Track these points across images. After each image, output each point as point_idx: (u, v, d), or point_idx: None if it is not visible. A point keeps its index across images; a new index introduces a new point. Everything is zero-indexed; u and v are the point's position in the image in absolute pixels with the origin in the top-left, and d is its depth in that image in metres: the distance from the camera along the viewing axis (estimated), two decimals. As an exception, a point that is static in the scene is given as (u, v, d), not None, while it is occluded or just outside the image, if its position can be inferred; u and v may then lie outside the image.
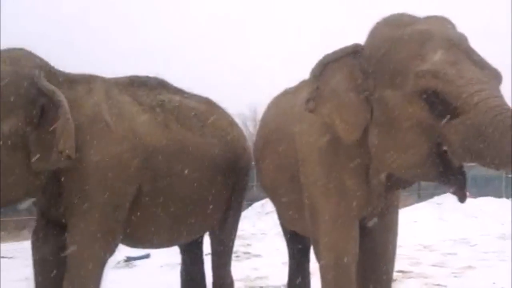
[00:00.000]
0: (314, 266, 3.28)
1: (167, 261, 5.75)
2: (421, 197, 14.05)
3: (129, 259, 6.09)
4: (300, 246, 3.78)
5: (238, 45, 47.88)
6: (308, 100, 2.63)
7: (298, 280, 3.78)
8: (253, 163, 4.00)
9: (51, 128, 2.71)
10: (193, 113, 3.54)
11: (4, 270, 6.00)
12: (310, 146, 2.89)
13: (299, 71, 3.22)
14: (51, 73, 2.94)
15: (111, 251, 3.06)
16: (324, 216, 2.81)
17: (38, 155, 2.72)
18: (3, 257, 6.94)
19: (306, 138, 2.93)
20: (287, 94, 3.53)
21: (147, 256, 6.25)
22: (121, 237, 3.11)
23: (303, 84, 3.20)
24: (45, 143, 2.71)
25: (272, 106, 3.67)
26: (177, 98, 3.55)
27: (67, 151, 2.70)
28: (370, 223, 2.96)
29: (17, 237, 8.70)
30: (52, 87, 2.77)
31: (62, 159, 2.71)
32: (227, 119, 3.89)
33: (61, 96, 2.75)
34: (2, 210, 9.26)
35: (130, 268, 5.94)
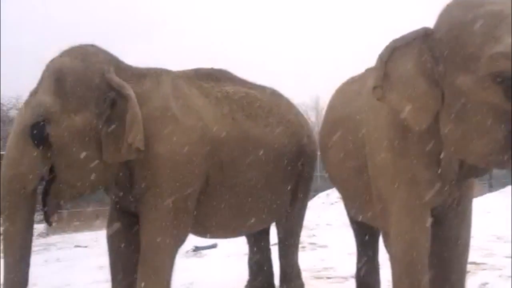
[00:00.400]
0: (383, 257, 3.23)
1: (234, 250, 5.83)
2: (492, 187, 13.51)
3: (197, 249, 6.22)
4: (368, 237, 3.72)
5: (300, 35, 47.60)
6: (375, 87, 2.56)
7: (367, 272, 3.73)
8: (318, 152, 3.98)
9: (121, 122, 2.81)
10: (258, 104, 3.56)
11: (79, 259, 6.30)
12: (378, 134, 2.82)
13: (362, 60, 3.16)
14: (120, 68, 3.04)
15: (181, 240, 3.14)
16: (394, 206, 2.74)
17: (109, 148, 2.83)
18: (78, 246, 7.28)
19: (373, 126, 2.87)
20: (353, 81, 3.48)
21: (214, 245, 6.37)
22: (191, 226, 3.18)
23: (369, 71, 3.14)
24: (115, 136, 2.82)
25: (338, 94, 3.63)
26: (242, 89, 3.58)
27: (136, 143, 2.79)
28: (443, 214, 2.88)
29: (91, 227, 9.07)
30: (121, 82, 2.87)
31: (132, 151, 2.80)
32: (291, 109, 3.89)
33: (129, 90, 2.84)
34: (75, 201, 9.74)
35: (199, 257, 6.06)
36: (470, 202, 2.99)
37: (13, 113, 15.64)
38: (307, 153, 3.81)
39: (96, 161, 2.84)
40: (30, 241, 2.87)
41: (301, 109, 4.41)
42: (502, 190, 11.54)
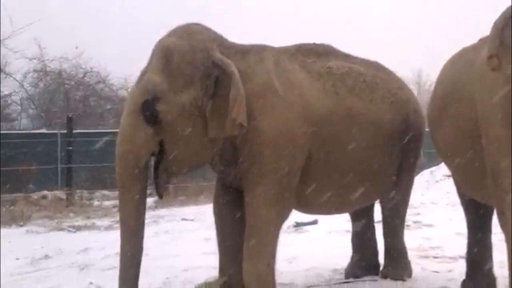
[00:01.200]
0: (496, 237, 3.07)
1: (335, 227, 5.81)
2: None
3: (298, 225, 6.26)
4: (480, 215, 3.52)
5: (400, 8, 45.68)
6: (490, 56, 2.40)
7: (478, 252, 3.54)
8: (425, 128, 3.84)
9: (225, 98, 2.88)
10: (361, 79, 3.49)
11: (186, 231, 6.60)
12: (492, 107, 2.65)
13: (464, 34, 2.96)
14: (224, 46, 3.10)
15: (285, 215, 3.18)
16: (509, 183, 2.57)
17: (213, 124, 2.91)
18: (184, 219, 7.62)
19: (488, 99, 2.69)
20: (465, 52, 3.27)
21: (315, 222, 6.38)
22: (294, 202, 3.20)
23: (483, 40, 2.94)
24: (219, 112, 2.89)
25: (448, 66, 3.44)
26: (345, 64, 3.52)
27: (239, 119, 2.84)
28: None
29: (195, 202, 9.45)
30: (224, 59, 2.93)
31: (235, 127, 2.86)
32: (396, 83, 3.77)
33: (233, 67, 2.89)
34: (181, 177, 10.17)
35: (300, 233, 6.11)
36: None
37: (121, 93, 16.57)
38: (413, 128, 3.68)
39: (202, 137, 2.95)
40: (144, 212, 3.05)
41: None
42: None
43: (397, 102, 3.60)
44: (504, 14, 2.39)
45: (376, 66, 3.74)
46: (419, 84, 24.49)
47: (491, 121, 2.66)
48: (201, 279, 3.33)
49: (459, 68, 3.19)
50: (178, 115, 2.90)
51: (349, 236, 4.23)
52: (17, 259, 5.26)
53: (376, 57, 3.88)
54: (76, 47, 16.16)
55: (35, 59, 16.11)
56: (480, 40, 3.06)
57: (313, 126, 3.14)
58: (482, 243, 3.54)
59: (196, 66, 2.93)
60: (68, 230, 7.06)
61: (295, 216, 4.14)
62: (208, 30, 3.12)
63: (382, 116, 3.45)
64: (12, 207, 8.48)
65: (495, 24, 2.40)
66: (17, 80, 16.62)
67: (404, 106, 3.65)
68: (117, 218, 5.37)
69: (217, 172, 3.36)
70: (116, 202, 7.77)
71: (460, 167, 3.24)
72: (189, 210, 8.47)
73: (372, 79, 3.55)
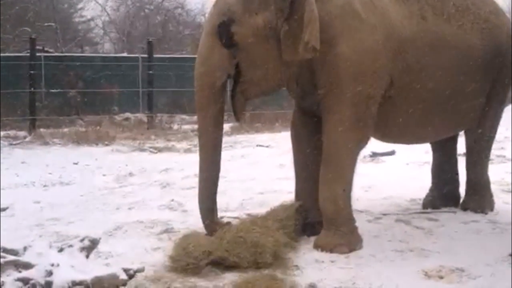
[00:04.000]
0: None
1: (413, 159, 5.69)
2: None
3: (374, 155, 6.18)
4: None
5: None
6: None
7: None
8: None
9: (299, 21, 2.79)
10: (451, 3, 3.28)
11: (261, 156, 6.72)
12: None
13: None
14: None
15: (364, 142, 3.13)
16: None
17: (287, 47, 2.86)
18: (260, 145, 7.73)
19: None
20: None
21: (392, 152, 6.26)
22: (373, 129, 3.13)
23: None
24: (293, 35, 2.83)
25: None
26: None
27: (312, 42, 2.76)
28: None
29: (270, 129, 9.52)
30: None
31: (309, 50, 2.79)
32: (490, 7, 3.51)
33: None
34: (256, 104, 10.18)
35: (376, 163, 6.03)
36: None
37: (199, 18, 16.61)
38: (506, 55, 3.44)
39: (276, 60, 2.92)
40: (221, 132, 3.11)
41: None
42: None
43: (489, 28, 3.37)
44: None
45: None
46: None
47: None
48: (276, 202, 3.38)
49: None
50: (253, 37, 2.88)
51: (427, 168, 4.14)
52: (104, 175, 5.60)
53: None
54: (156, -28, 16.25)
55: (116, -17, 16.37)
56: None
57: (396, 51, 3.01)
58: None
59: None
60: (150, 151, 7.38)
61: (372, 145, 4.09)
62: None
63: (471, 42, 3.26)
64: (98, 128, 8.94)
65: None
66: (99, 4, 17.04)
67: (497, 32, 3.42)
68: (196, 141, 5.55)
69: (294, 98, 3.33)
70: (194, 126, 8.01)
71: None
72: (264, 137, 8.57)
73: (463, 2, 3.33)
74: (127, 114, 10.57)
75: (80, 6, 18.17)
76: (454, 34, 3.20)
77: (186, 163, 5.86)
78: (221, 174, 3.18)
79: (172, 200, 4.25)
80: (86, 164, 6.22)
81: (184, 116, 10.73)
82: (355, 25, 2.94)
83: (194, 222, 3.35)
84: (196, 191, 3.16)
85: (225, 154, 3.40)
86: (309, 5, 2.78)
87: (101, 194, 4.69)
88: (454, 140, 3.88)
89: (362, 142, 3.10)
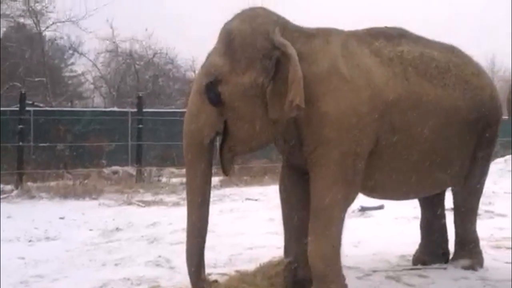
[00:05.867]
0: None
1: (402, 213, 5.70)
2: None
3: (363, 209, 6.18)
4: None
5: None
6: None
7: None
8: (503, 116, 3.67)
9: (284, 80, 2.85)
10: (434, 64, 3.37)
11: (251, 211, 6.68)
12: None
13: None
14: (287, 29, 3.07)
15: (351, 198, 3.14)
16: None
17: (273, 106, 2.91)
18: (249, 199, 7.71)
19: None
20: None
21: (381, 207, 6.27)
22: (360, 186, 3.16)
23: None
24: (279, 94, 2.88)
25: None
26: (417, 48, 3.40)
27: (296, 101, 2.81)
28: None
29: (259, 182, 9.52)
30: (283, 41, 2.90)
31: (293, 109, 2.83)
32: (472, 68, 3.61)
33: (291, 49, 2.86)
34: (245, 157, 10.26)
35: (366, 218, 6.03)
36: None
37: (189, 74, 16.88)
38: (488, 116, 3.53)
39: (263, 118, 2.96)
40: (209, 188, 3.11)
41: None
42: None
43: (470, 88, 3.46)
44: None
45: (451, 51, 3.59)
46: (493, 71, 23.48)
47: None
48: (265, 258, 3.35)
49: None
50: (240, 96, 2.93)
51: (416, 223, 4.13)
52: (90, 230, 5.53)
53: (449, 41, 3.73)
54: (146, 29, 16.64)
55: (107, 39, 16.70)
56: None
57: (381, 111, 3.08)
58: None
59: (256, 49, 2.94)
60: (138, 205, 7.33)
61: (361, 200, 4.10)
62: (271, 13, 3.12)
63: (454, 103, 3.33)
64: (85, 181, 8.88)
65: None
66: (90, 60, 17.29)
67: (479, 93, 3.50)
68: (184, 195, 5.52)
69: (282, 154, 3.37)
70: (183, 179, 7.99)
71: None
72: (254, 190, 8.55)
73: (445, 64, 3.42)
74: (116, 168, 10.54)
75: (71, 61, 18.45)
76: (437, 95, 3.27)
77: (175, 217, 5.82)
78: (210, 228, 3.16)
79: (160, 256, 4.20)
80: (73, 218, 6.15)
81: (173, 170, 10.72)
82: (340, 86, 3.01)
83: (182, 279, 3.30)
84: (184, 247, 3.12)
85: (213, 208, 3.39)
86: (293, 65, 2.85)
87: (87, 249, 4.62)
88: (441, 196, 3.91)
89: (350, 198, 3.12)
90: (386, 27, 3.48)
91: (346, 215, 3.15)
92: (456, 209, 3.74)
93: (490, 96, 3.58)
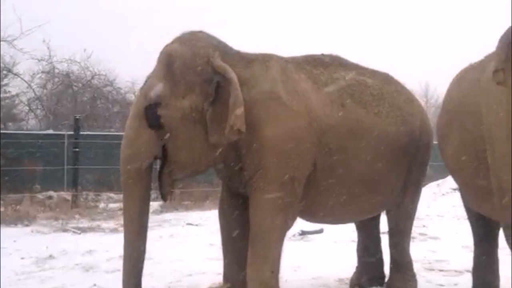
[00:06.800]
0: (503, 252, 3.05)
1: (341, 237, 5.79)
2: None
3: (303, 233, 6.25)
4: (487, 230, 3.51)
5: (408, 19, 45.78)
6: (496, 70, 2.40)
7: (485, 267, 3.53)
8: (433, 141, 3.83)
9: (225, 105, 2.88)
10: (368, 91, 3.49)
11: (191, 236, 6.59)
12: (498, 122, 2.66)
13: (472, 47, 2.97)
14: (228, 53, 3.12)
15: (290, 223, 3.18)
16: None
17: (213, 130, 2.93)
18: (190, 224, 7.61)
19: (494, 113, 2.70)
20: (472, 68, 3.29)
21: (321, 231, 6.36)
22: (298, 210, 3.21)
23: (489, 57, 2.94)
24: (219, 118, 2.91)
25: (456, 82, 3.45)
26: (352, 75, 3.52)
27: (237, 125, 2.85)
28: None
29: (201, 207, 9.46)
30: (224, 65, 2.95)
31: (234, 133, 2.87)
32: (404, 96, 3.75)
33: (232, 74, 2.91)
34: (186, 182, 10.14)
35: (305, 241, 6.09)
36: None
37: (129, 96, 16.64)
38: (420, 141, 3.67)
39: (203, 143, 2.97)
40: (147, 214, 3.08)
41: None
42: None
43: (403, 115, 3.59)
44: (510, 30, 2.40)
45: (384, 78, 3.74)
46: (427, 97, 24.57)
47: (497, 137, 2.67)
48: (205, 285, 3.32)
49: (466, 84, 3.21)
50: (180, 120, 2.93)
51: (355, 246, 4.21)
52: (22, 258, 5.28)
53: (383, 69, 3.88)
54: (84, 50, 16.30)
55: (43, 60, 16.20)
56: (486, 56, 3.07)
57: (318, 135, 3.15)
58: (488, 258, 3.53)
59: (197, 72, 2.96)
60: (73, 232, 7.07)
61: (301, 224, 4.14)
62: (211, 37, 3.16)
63: (387, 129, 3.45)
64: (18, 207, 8.50)
65: (501, 39, 2.42)
66: (25, 81, 16.71)
67: (411, 119, 3.64)
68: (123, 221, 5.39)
69: (221, 178, 3.37)
70: (122, 205, 7.81)
71: (467, 181, 3.25)
72: (195, 215, 8.47)
73: (379, 92, 3.55)
74: (50, 193, 10.14)
75: (4, 82, 17.74)
76: (372, 121, 3.38)
77: (112, 244, 5.64)
78: (148, 255, 3.10)
79: (95, 285, 4.07)
80: (3, 246, 5.85)
81: (111, 194, 10.46)
82: (279, 111, 3.06)
83: (118, 308, 3.19)
84: (121, 274, 3.05)
85: (152, 234, 3.34)
86: (234, 89, 2.88)
87: (18, 279, 4.41)
88: (377, 219, 4.01)
89: (289, 223, 3.16)
90: (323, 54, 3.59)
91: (286, 239, 3.19)
92: (391, 232, 3.84)
93: (421, 122, 3.73)
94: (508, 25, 2.47)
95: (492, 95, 2.70)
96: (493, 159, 2.72)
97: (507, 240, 2.79)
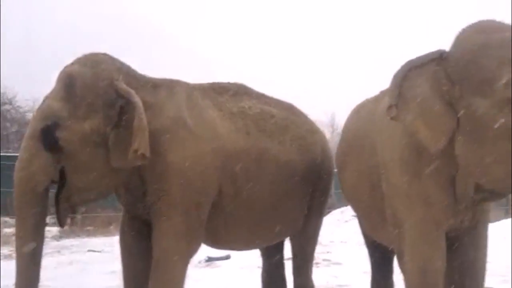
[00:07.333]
0: (398, 277, 3.19)
1: (247, 263, 5.81)
2: (509, 213, 13.35)
3: (210, 259, 6.21)
4: (383, 256, 3.68)
5: (317, 51, 47.80)
6: (390, 106, 2.55)
7: (381, 291, 3.69)
8: (334, 169, 3.96)
9: (128, 129, 2.83)
10: (273, 121, 3.57)
11: (93, 263, 6.33)
12: (391, 153, 2.81)
13: (378, 79, 3.15)
14: (131, 77, 3.08)
15: (194, 249, 3.15)
16: (409, 226, 2.72)
17: (116, 154, 2.86)
18: (91, 250, 7.32)
19: (387, 146, 2.86)
20: (367, 102, 3.48)
21: (227, 257, 6.36)
22: (203, 236, 3.19)
23: (384, 92, 3.13)
24: (122, 142, 2.84)
25: (353, 114, 3.64)
26: (258, 105, 3.59)
27: (141, 150, 2.80)
28: (458, 238, 2.84)
29: (104, 232, 9.14)
30: (128, 89, 2.90)
31: (137, 158, 2.82)
32: (307, 126, 3.87)
33: (136, 98, 2.87)
34: (89, 206, 9.81)
35: (211, 268, 6.06)
36: (486, 226, 2.96)
37: (29, 116, 15.87)
38: (322, 170, 3.79)
39: (104, 167, 2.88)
40: (42, 240, 2.92)
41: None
42: (520, 215, 11.37)
43: (305, 144, 3.69)
44: (403, 67, 2.57)
45: (289, 108, 3.84)
46: (333, 127, 25.55)
47: (391, 167, 2.81)
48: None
49: (362, 116, 3.38)
50: (79, 143, 2.83)
51: (260, 272, 4.24)
52: None
53: (292, 100, 3.99)
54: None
55: None
56: (381, 92, 3.26)
57: (223, 162, 3.16)
58: (384, 282, 3.69)
59: (99, 95, 2.88)
60: (-37, 258, 6.53)
61: (208, 250, 4.10)
62: (115, 60, 3.09)
63: (290, 157, 3.52)
64: None
65: (395, 76, 2.57)
66: None
67: (313, 149, 3.75)
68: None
69: (123, 204, 3.27)
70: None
71: (363, 209, 3.40)
72: (97, 241, 8.17)
73: (283, 121, 3.64)
74: None
75: None
76: (276, 149, 3.45)
77: (5, 271, 5.27)
78: (44, 283, 2.93)
79: (-18, 318, 3.77)
80: None
81: (6, 219, 9.83)
82: (184, 136, 3.05)
83: None
84: (13, 306, 2.86)
85: (50, 261, 3.17)
86: (138, 114, 2.83)
87: None
88: (280, 245, 4.05)
89: (193, 250, 3.12)
90: (229, 82, 3.64)
91: (192, 266, 3.14)
92: (294, 258, 3.90)
93: (323, 151, 3.86)
94: (401, 62, 2.63)
95: (386, 129, 2.86)
96: (388, 189, 2.87)
97: (399, 266, 2.93)
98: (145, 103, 2.91)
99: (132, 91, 2.89)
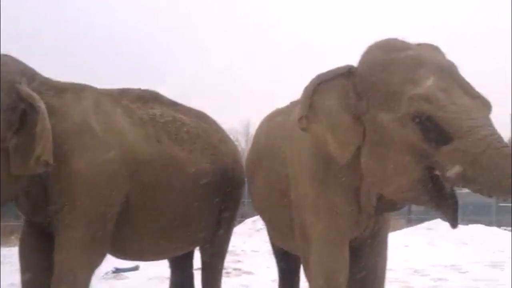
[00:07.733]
0: (304, 285, 3.26)
1: (156, 274, 5.71)
2: (410, 222, 14.15)
3: (117, 271, 6.03)
4: (290, 265, 3.76)
5: (231, 60, 48.25)
6: (300, 118, 2.62)
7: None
8: (245, 179, 4.01)
9: (30, 134, 2.70)
10: (184, 129, 3.55)
11: (-9, 275, 5.93)
12: (300, 164, 2.89)
13: (292, 88, 3.22)
14: (36, 80, 2.94)
15: (98, 260, 3.05)
16: (314, 234, 2.80)
17: (17, 160, 2.71)
18: (-10, 262, 6.86)
19: (297, 156, 2.93)
20: (279, 112, 3.55)
21: (136, 268, 6.20)
22: (109, 247, 3.10)
23: (294, 103, 3.20)
24: (24, 148, 2.71)
25: (264, 123, 3.69)
26: (169, 112, 3.55)
27: (44, 156, 2.69)
28: (360, 245, 2.96)
29: (6, 243, 8.60)
30: (31, 93, 2.76)
31: (40, 164, 2.70)
32: (218, 135, 3.88)
33: (39, 102, 2.74)
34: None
35: (119, 279, 5.87)
36: (386, 235, 3.11)
37: None
38: (233, 179, 3.81)
39: (4, 174, 2.71)
40: None
41: (231, 135, 4.42)
42: (420, 225, 12.07)
43: (216, 154, 3.70)
44: (314, 81, 2.65)
45: (200, 117, 3.83)
46: (247, 135, 25.79)
47: (299, 177, 2.89)
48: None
49: (273, 126, 3.44)
50: None
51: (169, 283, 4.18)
52: None
53: (207, 108, 4.00)
54: None
55: None
56: (292, 102, 3.34)
57: (132, 170, 3.09)
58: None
59: None
60: None
61: (116, 261, 3.98)
62: (18, 62, 2.92)
63: (201, 166, 3.51)
64: None
65: (306, 88, 2.65)
66: None
67: (224, 158, 3.76)
68: None
69: (23, 213, 3.11)
70: None
71: (271, 218, 3.45)
72: (-3, 252, 7.65)
73: (195, 130, 3.62)
74: None
75: None
76: (186, 158, 3.42)
77: None
78: None
79: None
80: None
81: None
82: (91, 143, 2.95)
83: None
84: None
85: None
86: (41, 118, 2.70)
87: None
88: (190, 255, 4.03)
89: (97, 261, 3.02)
90: (140, 89, 3.56)
91: (98, 278, 3.03)
92: (204, 268, 3.89)
93: (234, 161, 3.88)
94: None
95: (296, 140, 2.93)
96: (295, 198, 2.93)
97: (305, 273, 3.00)
98: (49, 107, 2.78)
99: (35, 95, 2.75)
